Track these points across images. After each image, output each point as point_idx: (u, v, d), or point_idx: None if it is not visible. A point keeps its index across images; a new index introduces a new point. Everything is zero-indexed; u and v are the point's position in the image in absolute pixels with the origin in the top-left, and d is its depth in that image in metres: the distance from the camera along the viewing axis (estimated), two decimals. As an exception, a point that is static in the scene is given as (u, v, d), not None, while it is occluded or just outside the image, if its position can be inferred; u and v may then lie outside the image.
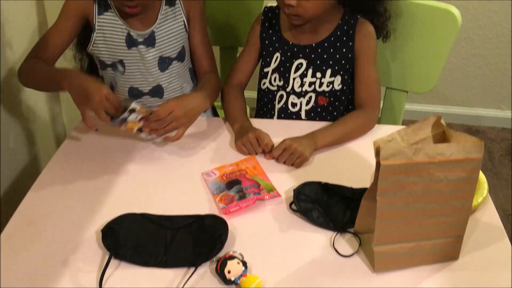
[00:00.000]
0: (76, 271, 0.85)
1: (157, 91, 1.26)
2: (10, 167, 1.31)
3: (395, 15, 1.27)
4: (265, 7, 1.29)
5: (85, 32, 1.20)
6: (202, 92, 1.17)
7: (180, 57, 1.26)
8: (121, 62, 1.22)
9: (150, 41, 1.20)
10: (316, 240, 0.91)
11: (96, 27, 1.18)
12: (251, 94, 1.38)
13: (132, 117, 1.04)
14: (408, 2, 1.28)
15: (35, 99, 1.41)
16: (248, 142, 1.12)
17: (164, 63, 1.23)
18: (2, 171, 1.27)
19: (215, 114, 1.40)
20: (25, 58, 1.19)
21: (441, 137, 0.87)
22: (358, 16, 1.22)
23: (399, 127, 1.19)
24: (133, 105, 1.03)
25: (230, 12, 1.44)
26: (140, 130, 1.09)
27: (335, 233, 0.92)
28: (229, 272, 0.81)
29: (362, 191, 0.96)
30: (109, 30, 1.19)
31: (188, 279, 0.82)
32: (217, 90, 1.25)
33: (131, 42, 1.19)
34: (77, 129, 1.18)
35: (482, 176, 0.98)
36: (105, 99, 0.99)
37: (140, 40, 1.20)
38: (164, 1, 1.21)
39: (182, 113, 1.09)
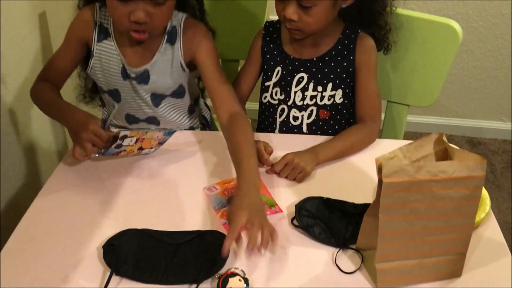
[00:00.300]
0: (77, 287, 0.84)
1: (153, 120, 1.26)
2: (11, 182, 1.31)
3: (395, 28, 1.27)
4: (266, 21, 1.30)
5: (87, 55, 1.20)
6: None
7: (176, 95, 1.23)
8: (116, 91, 1.21)
9: (142, 78, 1.18)
10: (318, 256, 0.91)
11: (94, 54, 1.18)
12: (252, 105, 1.38)
13: (127, 141, 1.04)
14: (410, 16, 1.29)
15: (37, 114, 1.41)
16: None
17: (157, 98, 1.21)
18: (3, 187, 1.27)
19: (215, 127, 1.40)
20: (36, 78, 1.21)
21: (443, 153, 0.87)
22: (359, 30, 1.22)
23: (401, 141, 1.20)
24: (123, 132, 1.02)
25: (232, 26, 1.45)
26: (140, 148, 1.09)
27: (337, 249, 0.92)
28: None
29: (364, 206, 0.95)
30: (106, 58, 1.18)
31: (189, 297, 0.82)
32: (252, 135, 1.10)
33: (125, 75, 1.18)
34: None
35: (484, 191, 0.98)
36: (91, 135, 1.01)
37: (133, 75, 1.18)
38: (165, 37, 1.17)
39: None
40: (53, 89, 1.19)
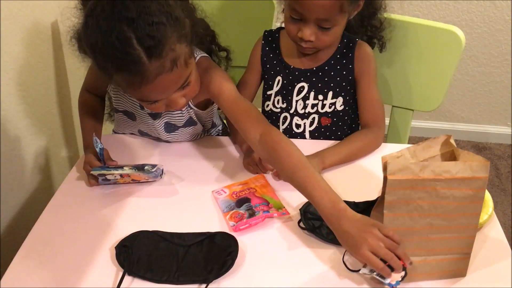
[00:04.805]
0: (91, 287, 0.87)
1: (165, 141, 1.27)
2: (24, 188, 1.34)
3: (389, 26, 1.29)
4: (265, 30, 1.31)
5: None
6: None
7: (188, 124, 1.22)
8: (132, 114, 1.23)
9: (155, 115, 1.19)
10: (326, 255, 0.93)
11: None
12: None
13: (110, 177, 1.08)
14: (414, 23, 1.31)
15: (49, 119, 1.44)
16: (253, 162, 1.14)
17: (170, 127, 1.22)
18: (16, 193, 1.30)
19: (225, 131, 1.42)
20: (81, 88, 1.28)
21: (451, 155, 0.89)
22: (357, 39, 1.24)
23: (405, 146, 1.21)
24: (96, 171, 1.07)
25: (240, 32, 1.47)
26: (134, 180, 1.10)
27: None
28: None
29: (364, 204, 0.98)
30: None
31: (200, 296, 0.84)
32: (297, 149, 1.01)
33: (142, 107, 1.19)
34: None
35: (487, 194, 0.99)
36: (87, 166, 1.11)
37: (148, 112, 1.19)
38: None
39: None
40: (88, 104, 1.26)
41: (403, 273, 0.82)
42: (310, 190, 0.93)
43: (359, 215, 0.88)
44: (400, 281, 0.82)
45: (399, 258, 0.82)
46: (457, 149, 0.88)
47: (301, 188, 0.96)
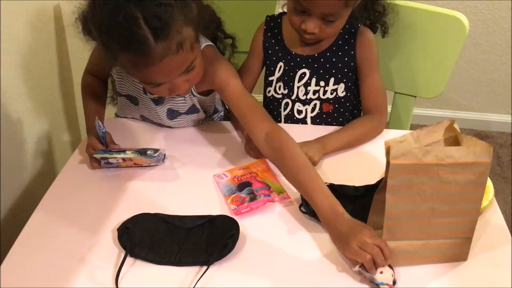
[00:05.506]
0: (93, 268, 0.88)
1: (167, 127, 1.26)
2: (26, 172, 1.34)
3: (392, 11, 1.28)
4: (267, 16, 1.30)
5: None
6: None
7: (190, 111, 1.22)
8: (135, 98, 1.22)
9: (158, 100, 1.18)
10: (326, 239, 0.93)
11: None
12: (257, 98, 1.39)
13: (112, 160, 1.08)
14: (417, 8, 1.30)
15: (51, 103, 1.44)
16: (255, 147, 1.14)
17: (173, 113, 1.21)
18: (18, 177, 1.31)
19: (227, 116, 1.42)
20: (84, 70, 1.27)
21: (454, 140, 0.88)
22: (359, 25, 1.24)
23: (407, 132, 1.21)
24: (98, 155, 1.07)
25: (242, 17, 1.46)
26: (136, 164, 1.11)
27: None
28: (381, 272, 0.84)
29: (364, 188, 0.98)
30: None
31: (201, 277, 0.85)
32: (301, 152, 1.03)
33: (145, 91, 1.18)
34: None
35: (488, 180, 0.99)
36: (90, 149, 1.10)
37: (151, 97, 1.18)
38: None
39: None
40: (91, 87, 1.25)
41: (392, 273, 0.83)
42: (311, 193, 0.95)
43: (354, 219, 0.91)
44: (386, 284, 0.83)
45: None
46: (460, 134, 0.87)
47: (302, 189, 0.98)
